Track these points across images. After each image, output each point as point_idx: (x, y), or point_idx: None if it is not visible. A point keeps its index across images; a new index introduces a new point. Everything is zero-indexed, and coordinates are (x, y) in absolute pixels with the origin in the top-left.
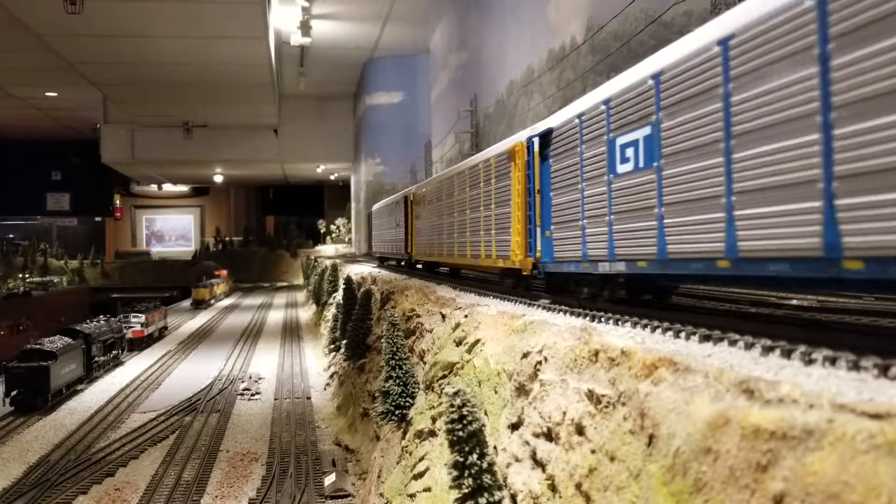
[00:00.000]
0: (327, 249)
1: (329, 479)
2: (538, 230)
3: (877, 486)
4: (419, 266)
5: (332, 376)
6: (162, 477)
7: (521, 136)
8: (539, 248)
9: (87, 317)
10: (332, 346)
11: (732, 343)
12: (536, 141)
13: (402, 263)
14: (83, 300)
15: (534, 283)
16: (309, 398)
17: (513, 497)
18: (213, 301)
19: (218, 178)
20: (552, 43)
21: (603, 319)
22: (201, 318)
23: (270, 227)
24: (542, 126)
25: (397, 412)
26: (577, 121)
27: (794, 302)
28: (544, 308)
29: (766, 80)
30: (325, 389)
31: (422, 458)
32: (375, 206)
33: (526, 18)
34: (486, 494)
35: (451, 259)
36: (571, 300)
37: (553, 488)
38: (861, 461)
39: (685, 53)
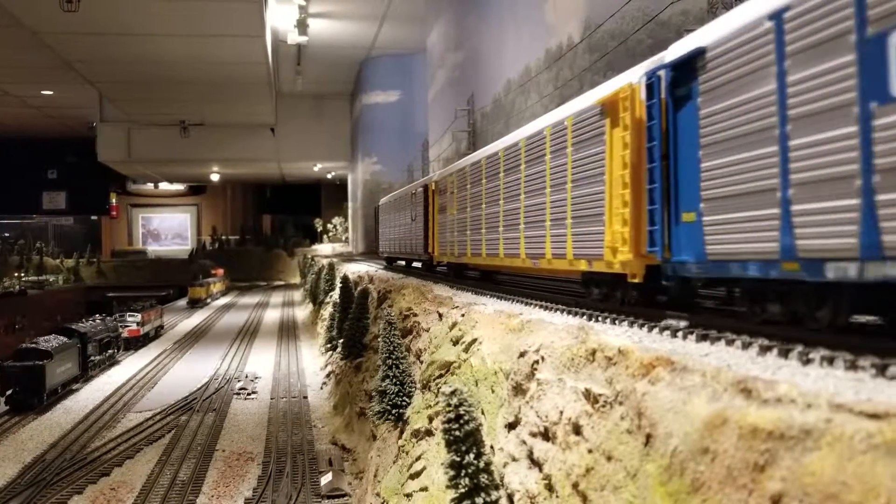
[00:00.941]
0: (324, 248)
1: (325, 479)
2: (668, 213)
3: (875, 487)
4: (441, 269)
5: (328, 375)
6: (157, 476)
7: (629, 76)
8: (668, 240)
9: (82, 316)
10: (328, 346)
11: (730, 342)
12: (665, 77)
13: (419, 265)
14: (79, 299)
15: (637, 292)
16: (305, 397)
17: (510, 497)
18: (209, 300)
19: (215, 177)
20: (549, 42)
21: (600, 318)
22: (197, 317)
23: (267, 226)
24: (678, 50)
25: (394, 411)
26: (768, 24)
27: None
28: (541, 307)
29: None
30: (321, 389)
31: (418, 458)
32: (383, 200)
33: (523, 18)
34: (482, 494)
35: (494, 261)
36: (734, 323)
37: (550, 488)
38: (859, 461)
39: None
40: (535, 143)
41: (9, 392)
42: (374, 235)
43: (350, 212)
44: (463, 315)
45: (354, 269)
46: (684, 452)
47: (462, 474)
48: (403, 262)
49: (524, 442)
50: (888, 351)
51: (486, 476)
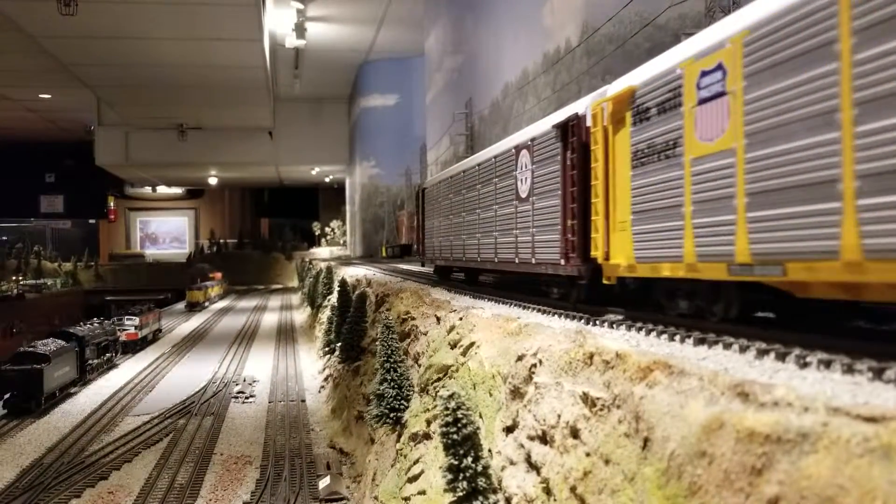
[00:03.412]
0: (322, 252)
1: (324, 483)
2: None
3: (871, 490)
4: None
5: (326, 379)
6: (155, 480)
7: None
8: None
9: (80, 319)
10: (326, 349)
11: (727, 346)
12: None
13: (553, 290)
14: (77, 303)
15: None
16: (303, 401)
17: (507, 500)
18: (207, 304)
19: (212, 181)
20: (547, 46)
21: (598, 322)
22: (195, 321)
23: (265, 230)
24: None
25: (392, 415)
26: None
27: None
28: (539, 311)
29: None
30: (319, 392)
31: (416, 461)
32: (433, 178)
33: (521, 21)
34: (480, 498)
35: None
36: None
37: (548, 491)
38: (856, 464)
39: None
40: None
41: (6, 396)
42: (417, 236)
43: (348, 215)
44: (461, 319)
45: (352, 273)
46: (682, 456)
47: (460, 477)
48: (466, 276)
49: (522, 445)
50: (885, 354)
51: (483, 479)
